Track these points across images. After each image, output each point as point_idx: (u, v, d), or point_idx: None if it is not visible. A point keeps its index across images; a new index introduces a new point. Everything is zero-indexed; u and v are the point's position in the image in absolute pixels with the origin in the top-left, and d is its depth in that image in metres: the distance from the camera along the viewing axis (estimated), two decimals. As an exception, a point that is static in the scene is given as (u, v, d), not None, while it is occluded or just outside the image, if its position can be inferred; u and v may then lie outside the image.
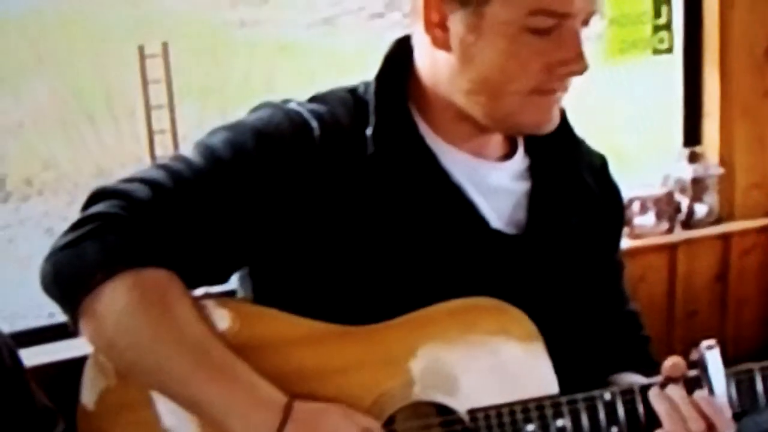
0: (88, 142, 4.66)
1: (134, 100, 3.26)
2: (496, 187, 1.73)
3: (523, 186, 1.77)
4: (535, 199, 1.76)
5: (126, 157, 4.14)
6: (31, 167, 4.75)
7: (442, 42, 1.63)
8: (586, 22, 1.64)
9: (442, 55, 1.64)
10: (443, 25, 1.63)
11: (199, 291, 1.66)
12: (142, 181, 1.58)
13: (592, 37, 3.42)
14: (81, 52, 4.70)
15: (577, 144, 1.86)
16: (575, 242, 1.81)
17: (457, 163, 1.69)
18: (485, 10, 1.59)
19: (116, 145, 4.35)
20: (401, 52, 1.73)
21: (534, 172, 1.78)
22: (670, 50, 3.49)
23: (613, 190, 1.93)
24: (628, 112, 4.12)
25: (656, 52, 3.48)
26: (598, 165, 1.91)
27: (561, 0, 1.59)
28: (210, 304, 1.62)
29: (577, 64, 1.61)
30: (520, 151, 1.78)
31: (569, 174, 1.81)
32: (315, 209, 1.60)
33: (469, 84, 1.63)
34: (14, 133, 4.74)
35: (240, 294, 1.75)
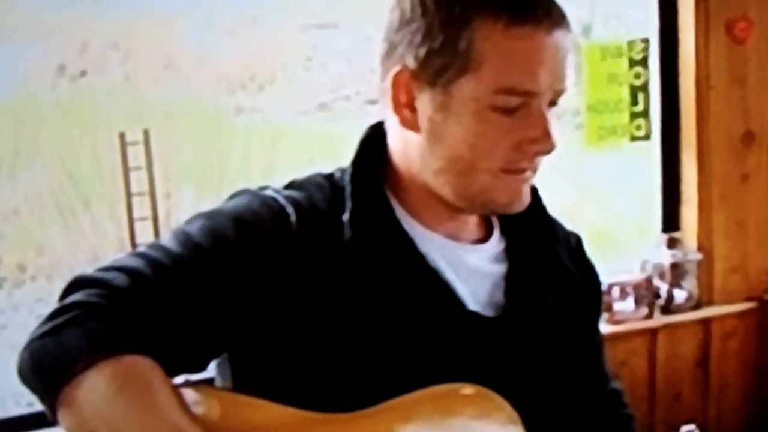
0: (83, 227, 4.67)
1: (121, 187, 3.28)
2: (473, 269, 1.73)
3: (500, 268, 1.77)
4: (512, 281, 1.75)
5: (118, 244, 4.15)
6: (25, 253, 4.76)
7: (410, 122, 1.64)
8: (553, 102, 1.65)
9: (411, 136, 1.65)
10: (411, 106, 1.64)
11: (178, 379, 1.66)
12: (121, 269, 1.57)
13: (572, 125, 3.48)
14: (77, 138, 4.73)
15: (552, 224, 1.86)
16: (554, 323, 1.80)
17: (434, 246, 1.69)
18: (452, 89, 1.60)
19: (111, 231, 4.36)
20: (376, 136, 1.74)
21: (510, 253, 1.78)
22: (647, 137, 3.55)
23: (589, 268, 1.92)
24: (607, 198, 4.15)
25: (634, 138, 3.53)
26: (574, 244, 1.92)
27: (526, 79, 1.60)
28: (189, 392, 1.61)
29: (544, 143, 1.62)
30: (496, 233, 1.78)
31: (546, 254, 1.81)
32: (294, 296, 1.59)
33: (439, 163, 1.64)
34: (10, 220, 4.75)
35: (218, 381, 1.74)
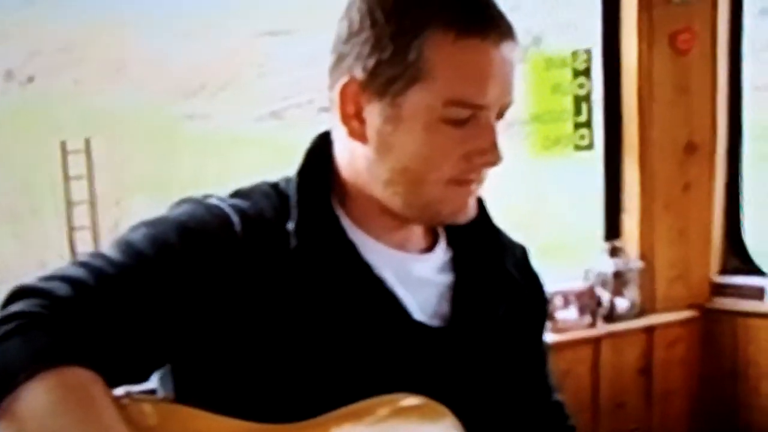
0: (30, 235, 4.64)
1: (72, 196, 3.27)
2: (419, 279, 1.73)
3: (447, 278, 1.77)
4: (458, 291, 1.76)
5: (65, 252, 4.13)
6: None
7: (358, 133, 1.64)
8: (500, 114, 1.66)
9: (359, 147, 1.65)
10: (359, 117, 1.64)
11: (120, 390, 1.65)
12: (63, 278, 1.56)
13: (518, 135, 3.50)
14: (25, 144, 4.70)
15: (498, 234, 1.87)
16: (500, 333, 1.81)
17: (380, 255, 1.69)
18: (401, 101, 1.61)
19: (58, 239, 4.34)
20: (323, 146, 1.74)
21: (457, 264, 1.79)
22: (590, 146, 3.57)
23: (535, 279, 1.94)
24: (550, 207, 4.18)
25: (578, 148, 3.56)
26: (520, 255, 1.93)
27: (476, 92, 1.61)
28: (131, 403, 1.60)
29: (492, 155, 1.63)
30: (442, 243, 1.79)
31: (492, 265, 1.81)
32: (238, 305, 1.59)
33: (388, 174, 1.64)
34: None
35: (160, 392, 1.73)
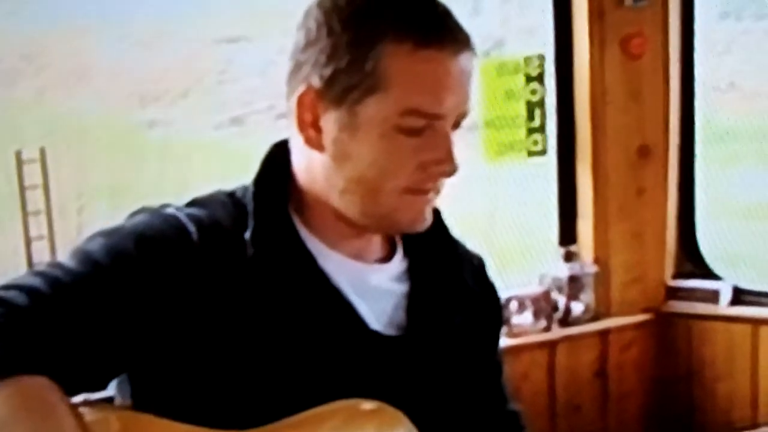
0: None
1: (29, 206, 3.24)
2: (375, 288, 1.74)
3: (403, 287, 1.78)
4: (414, 300, 1.77)
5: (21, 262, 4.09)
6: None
7: (315, 142, 1.65)
8: (457, 124, 1.67)
9: (316, 155, 1.66)
10: (316, 125, 1.65)
11: (78, 398, 1.64)
12: (20, 288, 1.56)
13: (472, 140, 3.50)
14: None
15: (455, 244, 1.88)
16: (455, 342, 1.82)
17: (337, 265, 1.70)
18: (358, 110, 1.61)
19: (15, 249, 4.29)
20: (280, 154, 1.74)
21: (413, 273, 1.80)
22: (544, 152, 3.59)
23: (491, 289, 1.95)
24: (505, 212, 4.18)
25: (531, 153, 3.57)
26: (476, 264, 1.94)
27: (432, 101, 1.63)
28: (88, 411, 1.60)
29: (448, 164, 1.64)
30: (399, 253, 1.80)
31: (448, 274, 1.83)
32: (196, 313, 1.59)
33: (344, 183, 1.65)
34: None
35: (118, 400, 1.73)
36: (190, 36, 4.92)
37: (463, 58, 1.64)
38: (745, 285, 3.75)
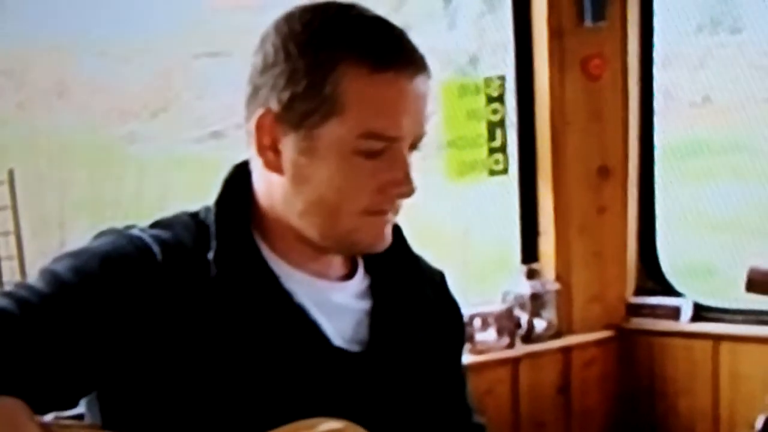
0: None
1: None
2: (338, 306, 1.76)
3: (365, 304, 1.79)
4: (376, 317, 1.79)
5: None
6: None
7: (274, 165, 1.67)
8: (414, 146, 1.70)
9: (276, 178, 1.68)
10: (275, 148, 1.67)
11: (49, 416, 1.65)
12: (-13, 308, 1.57)
13: (434, 161, 3.53)
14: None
15: (416, 261, 1.90)
16: (418, 357, 1.83)
17: (300, 283, 1.72)
18: (317, 133, 1.63)
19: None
20: (240, 175, 1.76)
21: (375, 290, 1.81)
22: (505, 171, 3.62)
23: (452, 304, 1.97)
24: (468, 231, 4.20)
25: (492, 173, 3.60)
26: (437, 280, 1.96)
27: (389, 124, 1.65)
28: (58, 429, 1.61)
29: (406, 186, 1.66)
30: (361, 270, 1.82)
31: (409, 290, 1.84)
32: (161, 333, 1.61)
33: (304, 205, 1.67)
34: None
35: (87, 418, 1.74)
36: (169, 51, 4.93)
37: (420, 81, 1.67)
38: (705, 301, 3.79)
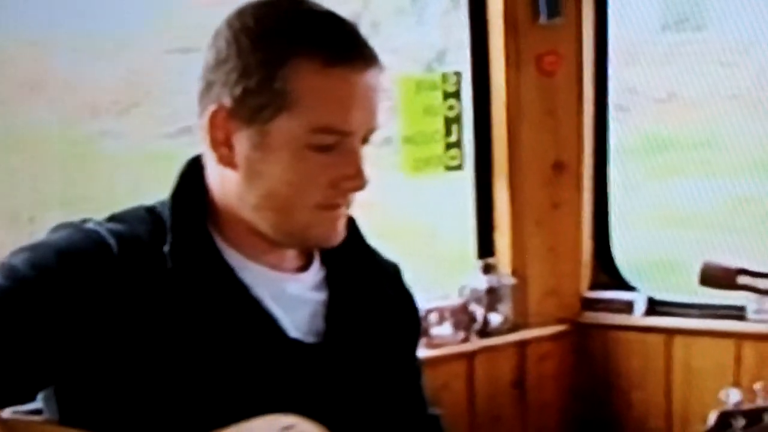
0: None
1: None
2: (294, 297, 1.77)
3: (321, 296, 1.81)
4: (332, 308, 1.80)
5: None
6: None
7: (228, 160, 1.69)
8: (366, 139, 1.71)
9: (229, 173, 1.70)
10: (229, 143, 1.68)
11: (6, 411, 1.65)
12: (-54, 302, 1.58)
13: (390, 156, 3.55)
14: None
15: (371, 253, 1.92)
16: (374, 348, 1.85)
17: (255, 275, 1.74)
18: (269, 128, 1.65)
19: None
20: (195, 169, 1.77)
21: (331, 281, 1.83)
22: (461, 167, 3.64)
23: (407, 296, 1.99)
24: (425, 226, 4.22)
25: (448, 168, 3.62)
26: (392, 272, 1.98)
27: (341, 119, 1.67)
28: (16, 423, 1.61)
29: (358, 180, 1.68)
30: (316, 262, 1.84)
31: (365, 282, 1.86)
32: (118, 326, 1.62)
33: (257, 200, 1.68)
34: None
35: (45, 413, 1.74)
36: (141, 47, 4.92)
37: (371, 75, 1.69)
38: (659, 296, 3.82)
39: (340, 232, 1.74)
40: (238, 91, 1.65)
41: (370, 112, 1.69)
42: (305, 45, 1.65)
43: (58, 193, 4.60)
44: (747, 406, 1.80)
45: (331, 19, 1.70)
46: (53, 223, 1.75)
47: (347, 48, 1.66)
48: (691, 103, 4.35)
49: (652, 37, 4.16)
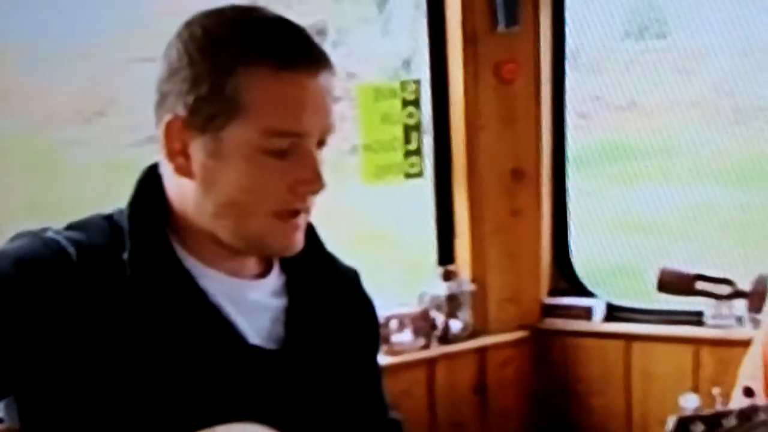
0: None
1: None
2: (254, 304, 1.78)
3: (281, 302, 1.82)
4: (292, 314, 1.81)
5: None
6: None
7: (185, 169, 1.69)
8: (321, 142, 1.72)
9: (187, 182, 1.70)
10: (185, 153, 1.70)
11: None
12: None
13: (350, 164, 3.55)
14: None
15: (330, 259, 1.93)
16: (334, 354, 1.86)
17: (215, 282, 1.74)
18: (223, 135, 1.66)
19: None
20: (154, 176, 1.78)
21: (290, 288, 1.84)
22: (421, 174, 3.65)
23: (366, 301, 2.00)
24: (385, 233, 4.23)
25: (408, 176, 3.63)
26: (351, 278, 1.99)
27: (292, 120, 1.68)
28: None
29: (315, 183, 1.69)
30: (276, 268, 1.84)
31: (324, 288, 1.87)
32: (78, 334, 1.62)
33: (214, 208, 1.69)
34: None
35: (6, 421, 1.74)
36: (105, 56, 4.91)
37: (322, 78, 1.70)
38: (618, 302, 3.85)
39: (299, 241, 1.75)
40: (190, 100, 1.66)
41: (323, 114, 1.70)
42: (254, 51, 1.66)
43: (23, 202, 4.59)
44: (706, 411, 1.81)
45: (280, 24, 1.71)
46: (18, 232, 1.76)
47: (296, 52, 1.68)
48: (651, 110, 4.37)
49: (614, 45, 4.19)
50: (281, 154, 1.67)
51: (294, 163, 1.68)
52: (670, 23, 4.32)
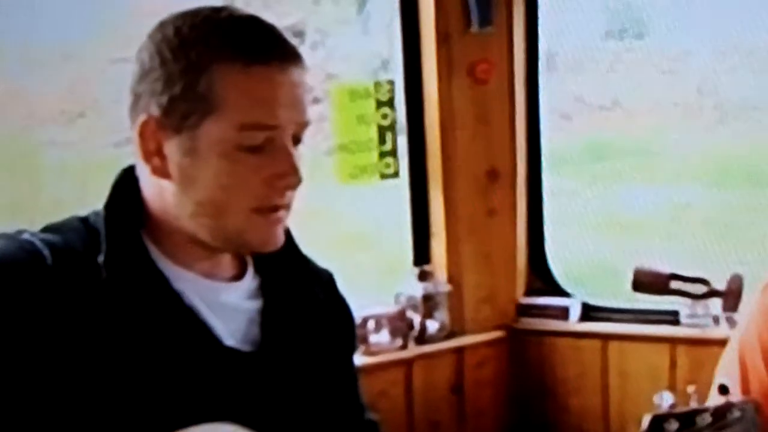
0: None
1: None
2: (228, 306, 1.78)
3: (256, 304, 1.82)
4: (267, 316, 1.81)
5: None
6: None
7: (161, 171, 1.69)
8: (297, 138, 1.72)
9: (164, 183, 1.70)
10: (160, 153, 1.69)
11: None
12: None
13: (325, 165, 3.55)
14: None
15: (305, 261, 1.92)
16: (310, 355, 1.86)
17: (190, 284, 1.74)
18: (198, 133, 1.66)
19: None
20: (129, 179, 1.78)
21: (265, 290, 1.84)
22: (396, 174, 3.65)
23: (342, 303, 2.00)
24: (361, 234, 4.23)
25: (384, 176, 3.63)
26: (326, 280, 1.99)
27: (265, 114, 1.68)
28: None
29: (292, 176, 1.69)
30: (250, 270, 1.84)
31: (299, 290, 1.87)
32: (52, 337, 1.61)
33: (193, 207, 1.69)
34: None
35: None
36: (86, 57, 4.90)
37: (293, 72, 1.70)
38: (594, 301, 3.85)
39: (279, 237, 1.74)
40: (164, 100, 1.66)
41: (296, 108, 1.70)
42: (225, 48, 1.66)
43: (4, 203, 4.57)
44: (680, 409, 1.81)
45: (251, 21, 1.72)
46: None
47: (267, 47, 1.68)
48: (632, 110, 4.39)
49: (596, 45, 4.21)
50: (257, 150, 1.67)
51: (270, 158, 1.68)
52: (649, 24, 4.33)
